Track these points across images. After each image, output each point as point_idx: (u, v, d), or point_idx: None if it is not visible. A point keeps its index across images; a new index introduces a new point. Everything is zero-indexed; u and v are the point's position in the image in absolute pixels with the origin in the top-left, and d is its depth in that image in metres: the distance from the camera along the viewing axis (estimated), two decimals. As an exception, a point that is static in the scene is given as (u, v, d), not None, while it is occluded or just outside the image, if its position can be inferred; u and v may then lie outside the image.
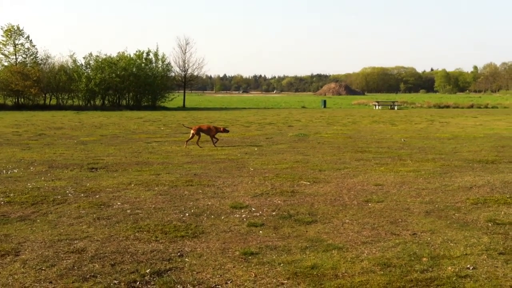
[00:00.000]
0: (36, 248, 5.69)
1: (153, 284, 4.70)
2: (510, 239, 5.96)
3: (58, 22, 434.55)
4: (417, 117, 34.71)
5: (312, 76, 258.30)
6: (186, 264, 5.19)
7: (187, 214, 7.21)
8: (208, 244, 5.87)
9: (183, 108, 54.66)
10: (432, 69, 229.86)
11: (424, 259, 5.28)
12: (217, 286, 4.66)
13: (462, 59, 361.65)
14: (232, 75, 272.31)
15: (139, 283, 4.72)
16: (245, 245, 5.79)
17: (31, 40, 53.95)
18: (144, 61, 53.72)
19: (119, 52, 54.60)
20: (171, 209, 7.50)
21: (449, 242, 5.87)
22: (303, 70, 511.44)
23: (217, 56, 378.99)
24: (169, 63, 56.11)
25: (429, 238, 6.02)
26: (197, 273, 4.96)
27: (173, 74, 58.70)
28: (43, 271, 5.00)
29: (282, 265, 5.14)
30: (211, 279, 4.80)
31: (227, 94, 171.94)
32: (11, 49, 53.28)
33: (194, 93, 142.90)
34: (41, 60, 53.44)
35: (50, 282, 4.73)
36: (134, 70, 52.63)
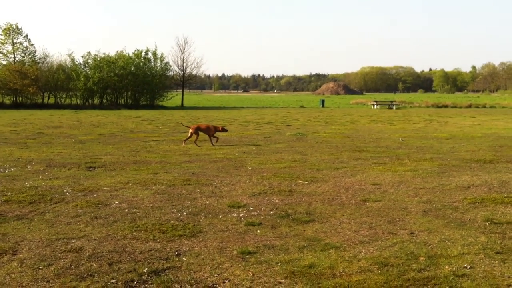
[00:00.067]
0: (33, 247, 5.68)
1: (151, 283, 4.70)
2: (507, 239, 5.97)
3: (56, 22, 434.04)
4: (415, 117, 34.74)
5: (310, 76, 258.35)
6: (184, 263, 5.19)
7: (184, 213, 7.21)
8: (205, 243, 5.87)
9: (182, 107, 54.65)
10: (430, 69, 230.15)
11: (422, 258, 5.28)
12: (215, 285, 4.66)
13: (461, 59, 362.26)
14: (231, 75, 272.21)
15: (136, 282, 4.71)
16: (242, 244, 5.79)
17: (29, 39, 53.97)
18: (142, 60, 53.73)
19: (117, 51, 54.74)
20: (169, 208, 7.50)
21: (447, 241, 5.88)
22: (302, 69, 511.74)
23: (216, 55, 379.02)
24: (167, 62, 56.21)
25: (426, 238, 6.02)
26: (194, 272, 4.96)
27: (171, 73, 58.80)
28: (40, 270, 5.00)
29: (279, 264, 5.14)
30: (208, 278, 4.80)
31: (226, 93, 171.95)
32: (10, 47, 53.29)
33: (193, 92, 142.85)
34: (40, 59, 53.47)
35: (48, 281, 4.72)
36: (132, 69, 52.63)
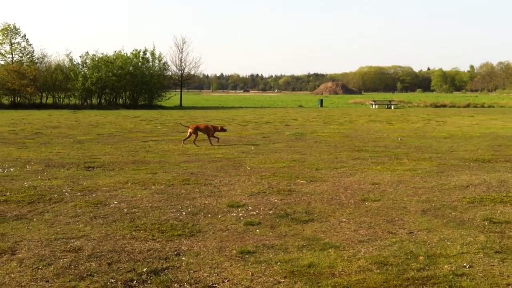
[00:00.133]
0: (32, 247, 5.68)
1: (150, 283, 4.70)
2: (507, 238, 5.98)
3: (55, 21, 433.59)
4: (414, 116, 34.76)
5: (309, 75, 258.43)
6: (183, 263, 5.19)
7: (184, 213, 7.20)
8: (205, 243, 5.87)
9: (180, 107, 54.63)
10: (428, 69, 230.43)
11: (421, 257, 5.29)
12: (214, 285, 4.66)
13: (459, 58, 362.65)
14: (229, 74, 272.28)
15: (136, 282, 4.71)
16: (242, 244, 5.79)
17: (27, 39, 53.95)
18: (141, 60, 53.69)
19: (115, 51, 54.66)
20: (168, 208, 7.50)
21: (446, 240, 5.88)
22: (300, 69, 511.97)
23: (214, 55, 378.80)
24: (166, 62, 56.20)
25: (425, 237, 6.03)
26: (194, 272, 4.96)
27: (170, 73, 58.79)
28: (39, 270, 5.00)
29: (279, 263, 5.14)
30: (208, 278, 4.80)
31: (224, 93, 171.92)
32: (8, 48, 53.27)
33: (191, 92, 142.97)
34: (38, 59, 53.44)
35: (47, 281, 4.72)
36: (130, 69, 52.59)
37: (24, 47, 53.40)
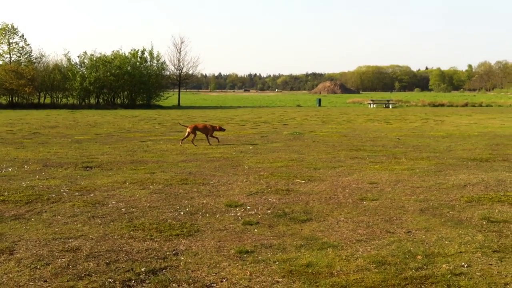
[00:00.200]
0: (30, 247, 5.67)
1: (148, 283, 4.69)
2: (505, 237, 5.99)
3: (53, 21, 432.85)
4: (412, 116, 34.79)
5: (307, 75, 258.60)
6: (181, 263, 5.18)
7: (182, 213, 7.20)
8: (203, 242, 5.87)
9: (178, 106, 54.62)
10: (426, 68, 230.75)
11: (419, 257, 5.29)
12: (212, 285, 4.66)
13: (457, 57, 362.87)
14: (227, 74, 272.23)
15: (134, 282, 4.71)
16: (240, 244, 5.79)
17: (25, 39, 53.89)
18: (139, 59, 53.66)
19: (113, 51, 54.60)
20: (166, 208, 7.49)
21: (444, 240, 5.89)
22: (298, 68, 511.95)
23: (212, 55, 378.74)
24: (164, 62, 56.15)
25: (423, 236, 6.03)
26: (192, 271, 4.96)
27: (168, 72, 58.78)
28: (37, 269, 4.99)
29: (277, 263, 5.14)
30: (206, 278, 4.80)
31: (222, 92, 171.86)
32: (5, 47, 53.25)
33: (189, 91, 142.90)
34: (36, 58, 53.41)
35: (45, 281, 4.72)
36: (128, 68, 52.59)
37: (22, 47, 53.38)
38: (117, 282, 4.68)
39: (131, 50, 53.92)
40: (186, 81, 63.99)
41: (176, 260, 5.26)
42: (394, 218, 6.89)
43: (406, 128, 23.31)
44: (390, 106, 52.78)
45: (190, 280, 4.73)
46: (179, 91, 60.89)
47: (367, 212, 7.20)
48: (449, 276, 4.77)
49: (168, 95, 55.48)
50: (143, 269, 4.98)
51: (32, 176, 10.19)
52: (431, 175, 10.16)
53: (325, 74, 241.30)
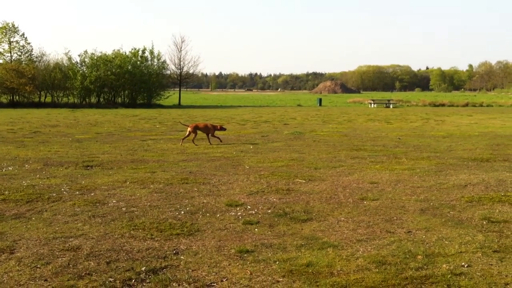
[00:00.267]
0: (31, 246, 5.68)
1: (149, 282, 4.70)
2: (505, 237, 5.99)
3: (54, 20, 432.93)
4: (413, 116, 34.78)
5: (307, 74, 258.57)
6: (182, 262, 5.19)
7: (182, 212, 7.20)
8: (203, 242, 5.87)
9: (179, 106, 54.61)
10: (427, 68, 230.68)
11: (419, 257, 5.29)
12: (213, 284, 4.66)
13: (457, 57, 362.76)
14: (228, 73, 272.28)
15: (134, 281, 4.71)
16: (240, 243, 5.79)
17: (26, 38, 53.89)
18: (139, 58, 53.64)
19: (114, 50, 54.65)
20: (167, 207, 7.50)
21: (444, 240, 5.89)
22: (299, 68, 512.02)
23: (213, 54, 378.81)
24: (164, 61, 56.13)
25: (424, 236, 6.03)
26: (192, 271, 4.96)
27: (168, 72, 58.74)
28: (38, 269, 4.99)
29: (277, 262, 5.14)
30: (206, 277, 4.80)
31: (223, 92, 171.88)
32: (6, 46, 53.27)
33: (190, 91, 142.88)
34: (36, 57, 53.45)
35: (45, 280, 4.72)
36: (129, 67, 52.58)
37: (23, 46, 53.42)
38: (118, 281, 4.68)
39: (132, 49, 53.93)
40: (186, 80, 63.95)
41: (177, 260, 5.26)
42: (395, 218, 6.89)
43: (406, 128, 23.30)
44: (391, 106, 52.77)
45: (191, 280, 4.73)
46: (180, 90, 60.87)
47: (367, 212, 7.20)
48: (449, 276, 4.77)
49: (169, 94, 55.49)
50: (143, 269, 4.98)
51: (33, 175, 10.20)
52: (432, 175, 10.16)
53: (325, 73, 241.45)
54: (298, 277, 4.76)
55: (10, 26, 52.90)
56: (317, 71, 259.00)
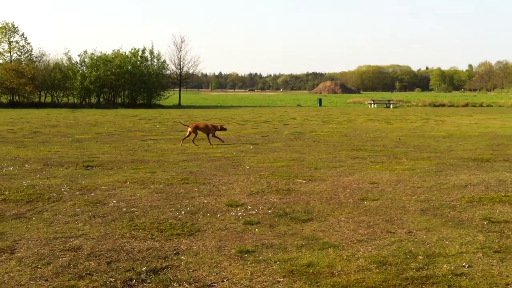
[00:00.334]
0: (31, 246, 5.67)
1: (149, 282, 4.69)
2: (505, 237, 5.98)
3: (54, 19, 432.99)
4: (413, 116, 34.77)
5: (307, 75, 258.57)
6: (182, 262, 5.18)
7: (183, 212, 7.20)
8: (204, 242, 5.87)
9: (179, 106, 54.60)
10: (427, 68, 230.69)
11: (420, 257, 5.29)
12: (213, 284, 4.66)
13: (457, 57, 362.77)
14: (228, 73, 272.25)
15: (135, 281, 4.71)
16: (241, 243, 5.79)
17: (26, 38, 53.87)
18: (139, 59, 53.62)
19: (114, 50, 54.62)
20: (167, 207, 7.49)
21: (445, 240, 5.88)
22: (299, 68, 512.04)
23: (213, 54, 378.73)
24: (164, 61, 56.12)
25: (424, 236, 6.03)
26: (193, 271, 4.96)
27: (168, 72, 58.74)
28: (38, 269, 4.99)
29: (278, 263, 5.14)
30: (207, 277, 4.80)
31: (223, 92, 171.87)
32: (6, 46, 53.24)
33: (190, 91, 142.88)
34: (36, 57, 53.43)
35: (46, 280, 4.72)
36: (129, 68, 52.56)
37: (23, 46, 53.40)
38: (118, 282, 4.68)
39: (132, 49, 53.92)
40: (186, 80, 63.97)
41: (177, 260, 5.26)
42: (395, 218, 6.89)
43: (406, 128, 23.30)
44: (391, 106, 52.76)
45: (191, 280, 4.73)
46: (180, 91, 60.87)
47: (368, 212, 7.20)
48: (450, 276, 4.76)
49: (169, 95, 55.47)
50: (144, 269, 4.98)
51: (33, 175, 10.19)
52: (432, 175, 10.15)
53: (325, 73, 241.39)
54: (298, 278, 4.76)
55: (10, 26, 52.92)
56: (317, 71, 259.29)
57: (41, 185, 9.20)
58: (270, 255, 5.39)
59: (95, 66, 51.03)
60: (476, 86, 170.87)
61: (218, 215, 7.05)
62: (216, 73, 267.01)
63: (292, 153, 13.87)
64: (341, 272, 4.90)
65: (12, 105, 47.77)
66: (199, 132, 16.37)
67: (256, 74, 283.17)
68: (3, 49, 53.25)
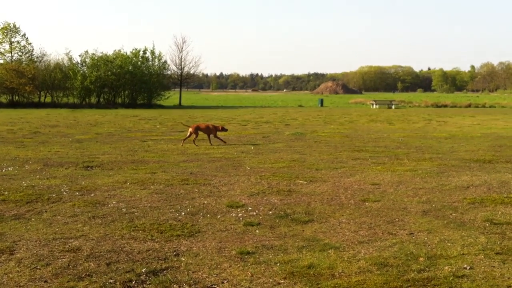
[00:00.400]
0: (31, 247, 5.65)
1: (149, 284, 4.67)
2: (507, 239, 5.95)
3: (55, 20, 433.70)
4: (415, 117, 34.74)
5: (309, 75, 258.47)
6: (182, 264, 5.16)
7: (183, 213, 7.17)
8: (204, 243, 5.84)
9: (179, 106, 54.64)
10: (429, 68, 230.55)
11: (421, 258, 5.26)
12: (213, 286, 4.63)
13: (459, 58, 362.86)
14: (229, 74, 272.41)
15: (134, 283, 4.68)
16: (241, 245, 5.76)
17: (27, 38, 53.91)
18: (140, 59, 53.65)
19: (115, 50, 54.63)
20: (167, 208, 7.47)
21: (446, 241, 5.85)
22: (300, 68, 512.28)
23: (214, 55, 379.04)
24: (165, 61, 56.19)
25: (426, 238, 6.00)
26: (193, 272, 4.93)
27: (169, 72, 58.79)
28: (38, 270, 4.97)
29: (278, 264, 5.11)
30: (207, 279, 4.77)
31: (224, 92, 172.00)
32: (7, 46, 53.27)
33: (191, 91, 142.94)
34: (37, 57, 53.45)
35: (45, 281, 4.69)
36: (130, 68, 52.57)
37: (24, 46, 53.46)
38: (118, 283, 4.65)
39: (133, 49, 53.99)
40: (187, 80, 64.03)
41: (177, 261, 5.23)
42: (396, 219, 6.86)
43: (408, 129, 23.27)
44: (393, 107, 52.73)
45: (191, 281, 4.70)
46: (180, 91, 60.92)
47: (369, 214, 7.17)
48: (451, 278, 4.73)
49: (169, 95, 55.50)
50: (143, 270, 4.95)
51: (33, 176, 10.17)
52: (434, 176, 10.12)
53: (327, 74, 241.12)
54: (299, 279, 4.73)
55: (12, 27, 52.98)
56: (319, 72, 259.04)
57: (41, 185, 9.17)
58: (270, 256, 5.36)
59: (96, 66, 51.06)
60: (478, 87, 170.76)
61: (219, 216, 7.02)
62: (217, 74, 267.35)
63: (293, 154, 13.84)
64: (342, 273, 4.87)
65: (12, 105, 47.79)
66: (200, 132, 16.34)
67: (257, 74, 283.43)
68: (4, 49, 53.37)
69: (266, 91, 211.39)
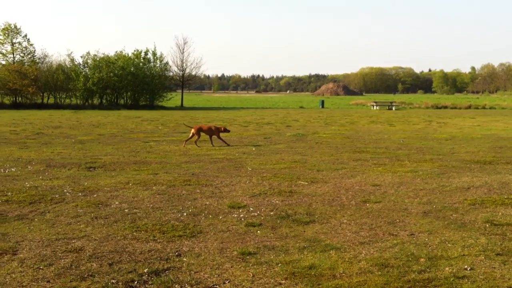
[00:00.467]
0: (33, 247, 5.68)
1: (151, 284, 4.70)
2: (508, 240, 5.97)
3: (56, 21, 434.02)
4: (415, 118, 34.74)
5: (310, 76, 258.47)
6: (184, 264, 5.19)
7: (185, 214, 7.21)
8: (206, 244, 5.87)
9: (181, 107, 54.65)
10: (430, 70, 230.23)
11: (422, 259, 5.28)
12: (215, 286, 4.66)
13: (460, 59, 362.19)
14: (230, 75, 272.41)
15: (137, 283, 4.71)
16: (243, 245, 5.79)
17: (28, 39, 53.92)
18: (142, 60, 53.69)
19: (117, 51, 54.65)
20: (169, 209, 7.50)
21: (447, 242, 5.88)
22: (301, 70, 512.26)
23: (215, 56, 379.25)
24: (167, 63, 56.19)
25: (426, 239, 6.02)
26: (195, 272, 4.96)
27: (171, 73, 58.80)
28: (41, 270, 5.00)
29: (280, 265, 5.14)
30: (209, 279, 4.80)
31: (225, 93, 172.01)
32: (9, 48, 53.25)
33: (192, 92, 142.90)
34: (39, 59, 53.43)
35: (48, 281, 4.72)
36: (132, 69, 52.58)
37: (26, 47, 53.42)
38: (120, 283, 4.69)
39: (134, 50, 54.00)
40: (189, 82, 64.04)
41: (179, 261, 5.26)
42: (397, 220, 6.89)
43: (409, 130, 23.28)
44: (393, 108, 52.70)
45: (193, 282, 4.73)
46: (182, 92, 60.94)
47: (370, 214, 7.19)
48: (452, 279, 4.76)
49: (171, 96, 55.50)
50: (146, 270, 4.98)
51: (36, 177, 10.21)
52: (435, 177, 10.14)
53: (328, 75, 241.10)
54: (300, 280, 4.76)
55: (13, 27, 52.95)
56: (320, 73, 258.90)
57: (44, 186, 9.21)
58: (272, 257, 5.39)
59: (98, 67, 51.08)
60: (479, 88, 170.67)
61: (220, 217, 7.06)
62: (219, 75, 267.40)
63: (294, 155, 13.87)
64: (343, 274, 4.90)
65: (15, 106, 47.82)
66: (202, 134, 16.36)
67: (258, 75, 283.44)
68: (6, 50, 53.34)
69: (267, 92, 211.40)
